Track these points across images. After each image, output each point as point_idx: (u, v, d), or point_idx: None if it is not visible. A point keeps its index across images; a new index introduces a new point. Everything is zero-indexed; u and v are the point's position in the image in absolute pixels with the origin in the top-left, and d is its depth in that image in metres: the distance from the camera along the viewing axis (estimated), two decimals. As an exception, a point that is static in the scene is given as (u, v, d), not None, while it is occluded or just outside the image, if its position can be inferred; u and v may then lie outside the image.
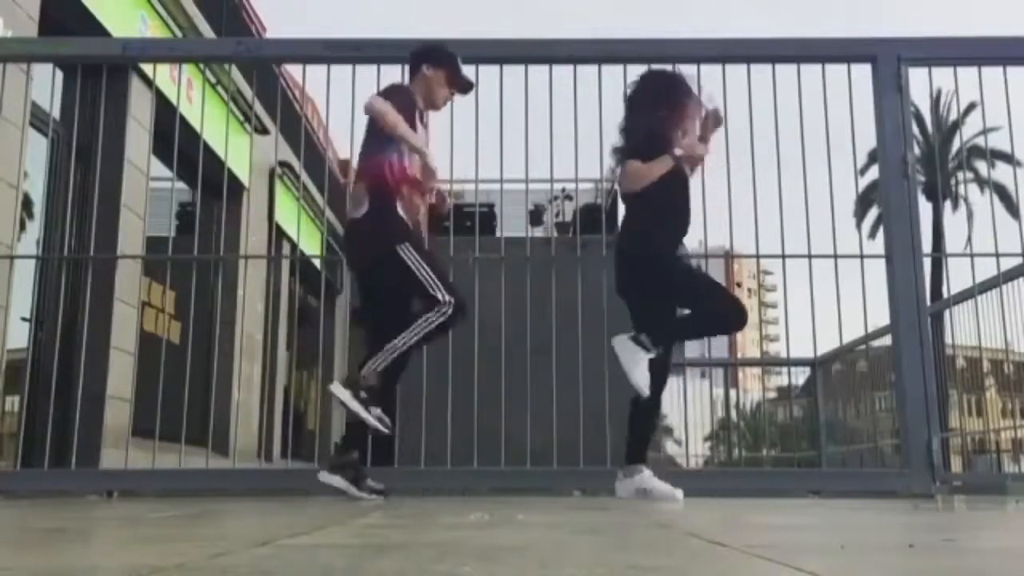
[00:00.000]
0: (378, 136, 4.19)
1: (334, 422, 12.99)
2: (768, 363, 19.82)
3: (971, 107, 15.87)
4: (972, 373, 7.40)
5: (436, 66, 4.39)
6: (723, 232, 4.96)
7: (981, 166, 30.22)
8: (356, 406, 3.98)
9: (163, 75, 6.64)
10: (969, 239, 5.40)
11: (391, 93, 4.26)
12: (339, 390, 4.00)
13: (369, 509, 3.38)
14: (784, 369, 11.41)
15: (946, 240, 8.94)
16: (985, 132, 5.51)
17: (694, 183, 4.48)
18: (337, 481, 4.08)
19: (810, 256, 4.97)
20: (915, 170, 5.06)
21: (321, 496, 4.32)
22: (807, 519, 3.14)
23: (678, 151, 4.31)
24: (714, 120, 4.48)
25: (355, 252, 4.36)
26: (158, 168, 6.57)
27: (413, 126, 4.19)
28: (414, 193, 4.26)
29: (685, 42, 5.24)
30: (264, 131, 8.61)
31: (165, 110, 6.02)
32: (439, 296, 4.03)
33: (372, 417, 3.99)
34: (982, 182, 30.27)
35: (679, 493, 4.17)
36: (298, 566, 1.51)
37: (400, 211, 4.18)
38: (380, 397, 4.07)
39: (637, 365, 4.15)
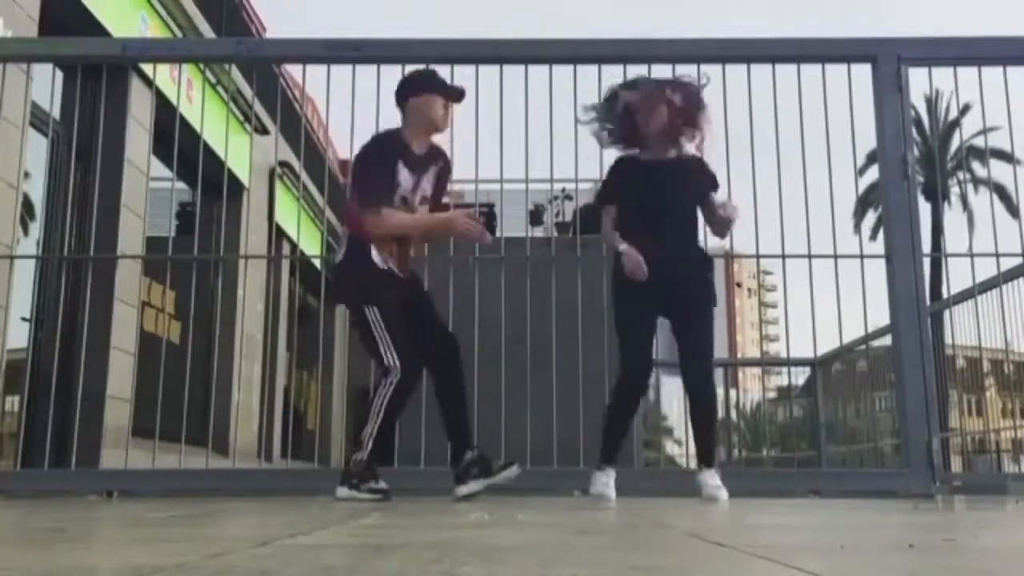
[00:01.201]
0: None
1: (334, 422, 13.02)
2: (768, 363, 19.83)
3: (966, 108, 15.85)
4: (972, 373, 7.40)
5: (419, 92, 4.29)
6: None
7: (978, 166, 30.28)
8: (357, 495, 4.03)
9: (163, 75, 6.64)
10: (970, 241, 5.40)
11: (370, 165, 4.22)
12: (342, 492, 4.05)
13: (369, 509, 3.38)
14: (784, 369, 11.43)
15: (946, 240, 8.94)
16: (985, 132, 5.50)
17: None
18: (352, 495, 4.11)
19: (810, 256, 4.97)
20: (915, 170, 5.06)
21: (321, 496, 4.32)
22: (807, 519, 3.14)
23: (622, 247, 4.33)
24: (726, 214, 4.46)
25: (335, 295, 4.66)
26: (158, 168, 6.57)
27: (392, 174, 4.17)
28: (401, 241, 4.24)
29: (685, 42, 5.24)
30: (264, 131, 8.61)
31: (165, 110, 6.02)
32: (386, 361, 4.05)
33: (365, 494, 4.03)
34: (977, 181, 30.27)
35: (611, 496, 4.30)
36: (298, 566, 1.50)
37: (375, 258, 4.15)
38: (373, 468, 4.12)
39: (601, 489, 4.30)
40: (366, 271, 4.16)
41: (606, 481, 4.33)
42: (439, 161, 4.39)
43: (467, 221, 4.16)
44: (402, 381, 4.04)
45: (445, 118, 4.32)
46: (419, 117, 4.28)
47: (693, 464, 4.59)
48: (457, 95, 4.35)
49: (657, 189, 4.40)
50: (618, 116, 4.53)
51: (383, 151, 4.24)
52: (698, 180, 4.48)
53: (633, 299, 4.33)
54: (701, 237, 4.53)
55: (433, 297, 4.45)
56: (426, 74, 4.37)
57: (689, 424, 4.53)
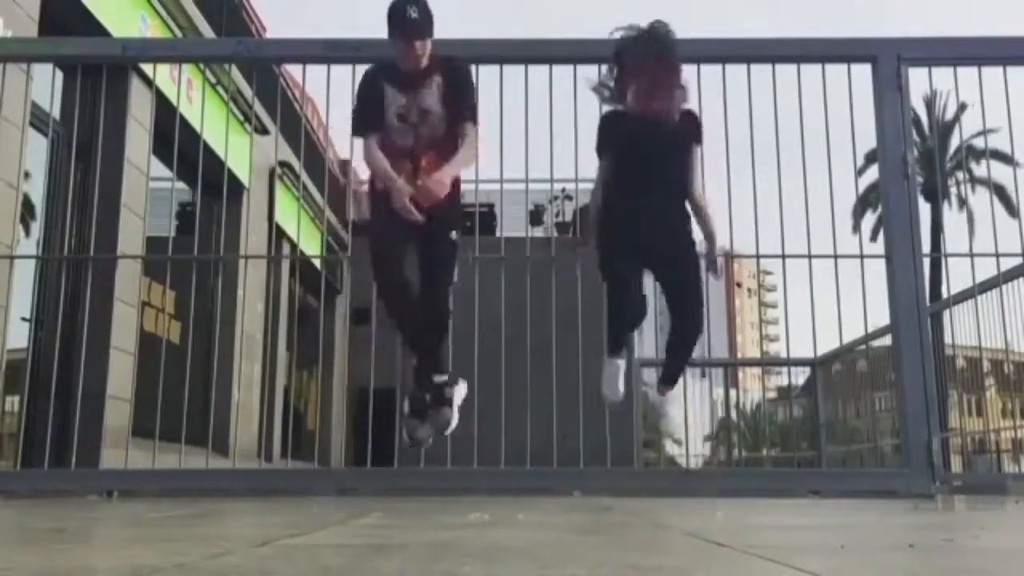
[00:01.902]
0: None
1: (334, 422, 13.02)
2: (768, 363, 19.84)
3: (963, 107, 15.87)
4: (972, 373, 7.40)
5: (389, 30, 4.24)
6: (723, 232, 4.95)
7: (976, 167, 30.25)
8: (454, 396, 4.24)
9: (163, 75, 6.64)
10: (970, 242, 5.40)
11: (356, 98, 4.36)
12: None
13: (369, 509, 3.38)
14: (784, 369, 11.43)
15: (945, 240, 8.95)
16: (985, 132, 5.50)
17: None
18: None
19: (810, 256, 4.97)
20: (915, 170, 5.06)
21: (321, 496, 4.32)
22: (807, 519, 3.14)
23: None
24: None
25: None
26: (158, 168, 6.57)
27: (380, 104, 4.21)
28: (397, 161, 4.20)
29: (685, 42, 5.21)
30: (264, 131, 8.60)
31: (165, 110, 6.02)
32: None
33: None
34: (977, 182, 30.24)
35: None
36: (298, 566, 1.51)
37: (376, 181, 4.22)
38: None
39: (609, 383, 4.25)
40: (372, 200, 4.27)
41: (614, 372, 4.27)
42: (439, 72, 4.26)
43: (404, 205, 4.10)
44: (391, 319, 4.15)
45: (404, 52, 4.19)
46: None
47: (693, 464, 4.58)
48: (402, 35, 4.17)
49: (641, 143, 4.38)
50: (612, 74, 4.52)
51: (364, 82, 4.34)
52: (683, 134, 4.45)
53: (614, 249, 4.34)
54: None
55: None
56: (389, 11, 4.22)
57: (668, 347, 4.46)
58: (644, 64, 4.36)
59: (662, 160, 4.33)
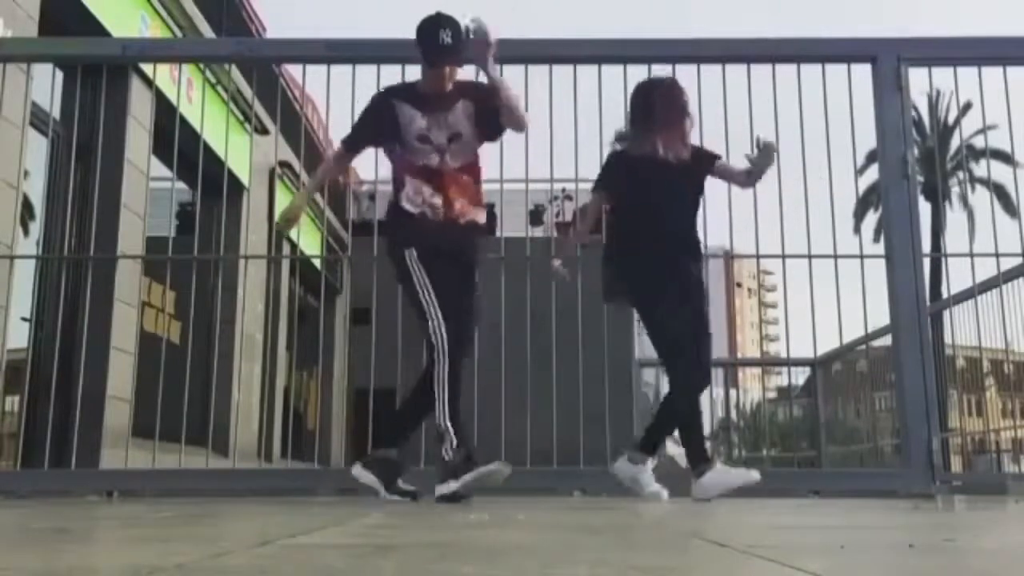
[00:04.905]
0: (390, 136, 4.25)
1: (334, 422, 13.02)
2: (768, 363, 19.84)
3: (967, 107, 15.86)
4: (972, 373, 7.40)
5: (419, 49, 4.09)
6: (723, 232, 4.96)
7: (975, 166, 30.26)
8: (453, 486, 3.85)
9: (163, 75, 6.64)
10: (970, 242, 5.40)
11: (357, 121, 4.35)
12: (444, 488, 3.85)
13: (370, 509, 3.38)
14: (784, 369, 11.44)
15: (945, 240, 8.95)
16: (985, 132, 5.50)
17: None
18: (367, 478, 4.03)
19: (810, 256, 4.97)
20: (915, 170, 5.06)
21: (321, 496, 4.32)
22: (807, 519, 3.14)
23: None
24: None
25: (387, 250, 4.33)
26: (158, 168, 6.57)
27: (395, 125, 4.12)
28: (423, 182, 4.12)
29: (686, 42, 5.24)
30: (264, 131, 8.60)
31: (165, 110, 6.02)
32: (432, 325, 3.90)
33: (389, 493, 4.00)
34: (975, 181, 30.25)
35: (664, 493, 4.23)
36: (298, 566, 1.51)
37: (403, 202, 4.10)
38: (470, 458, 3.93)
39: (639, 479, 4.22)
40: (396, 216, 4.12)
41: (638, 476, 4.27)
42: (466, 94, 4.17)
43: (288, 219, 4.37)
44: (450, 355, 3.85)
45: (433, 77, 4.10)
46: (423, 76, 4.19)
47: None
48: (434, 61, 4.06)
49: (648, 185, 4.42)
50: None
51: (371, 105, 4.28)
52: (696, 169, 4.49)
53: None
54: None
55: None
56: (419, 32, 4.05)
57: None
58: (668, 115, 4.47)
59: (671, 198, 4.41)
